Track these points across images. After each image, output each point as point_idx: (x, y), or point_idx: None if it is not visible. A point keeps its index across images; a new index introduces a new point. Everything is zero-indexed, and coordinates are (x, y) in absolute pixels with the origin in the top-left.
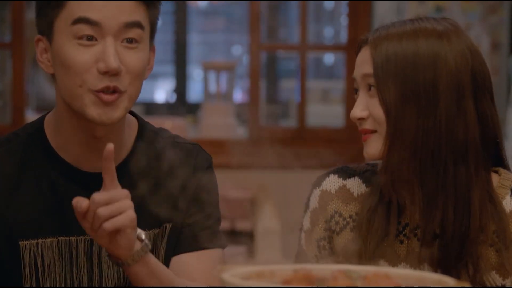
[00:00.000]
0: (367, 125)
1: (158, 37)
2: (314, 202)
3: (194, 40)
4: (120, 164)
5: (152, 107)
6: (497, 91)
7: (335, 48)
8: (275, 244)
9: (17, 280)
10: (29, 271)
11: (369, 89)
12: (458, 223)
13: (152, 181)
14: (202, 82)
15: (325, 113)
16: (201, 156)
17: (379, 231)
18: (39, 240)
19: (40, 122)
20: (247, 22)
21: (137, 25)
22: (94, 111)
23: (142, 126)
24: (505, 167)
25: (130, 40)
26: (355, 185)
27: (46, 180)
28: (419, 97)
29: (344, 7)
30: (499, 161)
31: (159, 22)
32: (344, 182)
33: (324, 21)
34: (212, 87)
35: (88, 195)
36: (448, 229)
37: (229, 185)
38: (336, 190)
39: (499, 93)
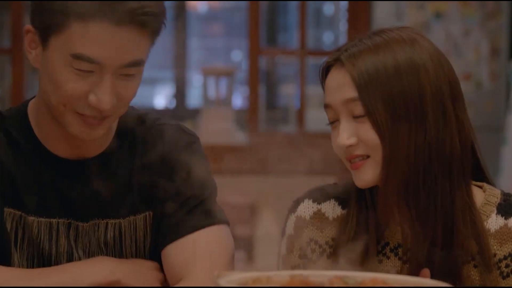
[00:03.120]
0: (359, 151)
1: (157, 42)
2: (290, 229)
3: (194, 45)
4: (102, 153)
5: None
6: (497, 96)
7: None
8: (274, 250)
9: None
10: (14, 238)
11: (355, 115)
12: (445, 241)
13: (132, 167)
14: (201, 88)
15: (324, 119)
16: (181, 135)
17: (360, 256)
18: (22, 214)
19: (24, 107)
20: (247, 27)
21: (139, 63)
22: (76, 129)
23: (126, 112)
24: (487, 179)
25: (128, 75)
26: (330, 208)
27: (29, 164)
28: (408, 113)
29: (343, 12)
30: (480, 173)
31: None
32: (319, 206)
33: (323, 26)
34: (212, 93)
35: (69, 182)
36: (438, 248)
37: (228, 191)
38: (310, 216)
39: (498, 99)
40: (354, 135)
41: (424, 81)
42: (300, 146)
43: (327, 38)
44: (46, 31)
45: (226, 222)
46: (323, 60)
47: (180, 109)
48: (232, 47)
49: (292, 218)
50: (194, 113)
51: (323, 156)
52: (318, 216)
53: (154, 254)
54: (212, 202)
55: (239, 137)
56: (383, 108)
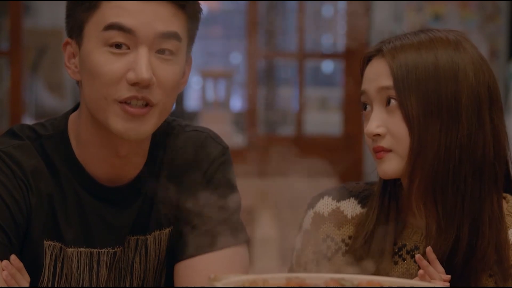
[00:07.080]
0: (384, 143)
1: None
2: (307, 224)
3: (193, 48)
4: (139, 175)
5: None
6: None
7: (333, 56)
8: (273, 252)
9: (34, 281)
10: (48, 274)
11: (387, 103)
12: (469, 244)
13: (161, 178)
14: (200, 90)
15: (323, 121)
16: (211, 146)
17: (375, 255)
18: (62, 245)
19: (63, 124)
20: (245, 30)
21: (174, 36)
22: (119, 124)
23: None
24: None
25: (165, 51)
26: (350, 206)
27: (68, 191)
28: (441, 111)
29: (342, 14)
30: (508, 184)
31: None
32: (338, 204)
33: (322, 29)
34: (210, 95)
35: (111, 209)
36: (461, 250)
37: None
38: (329, 213)
39: None
40: (384, 125)
41: (462, 84)
42: (299, 148)
43: (326, 41)
44: (80, 24)
45: (246, 241)
46: (322, 62)
47: (179, 112)
48: (231, 49)
49: (310, 213)
50: (193, 116)
51: (321, 159)
52: (337, 213)
53: (168, 267)
54: (235, 219)
55: (238, 140)
56: (415, 101)
